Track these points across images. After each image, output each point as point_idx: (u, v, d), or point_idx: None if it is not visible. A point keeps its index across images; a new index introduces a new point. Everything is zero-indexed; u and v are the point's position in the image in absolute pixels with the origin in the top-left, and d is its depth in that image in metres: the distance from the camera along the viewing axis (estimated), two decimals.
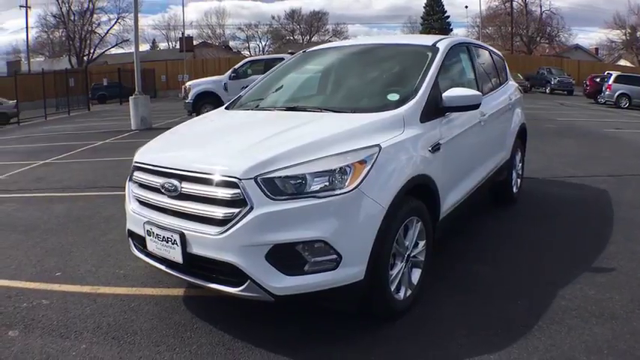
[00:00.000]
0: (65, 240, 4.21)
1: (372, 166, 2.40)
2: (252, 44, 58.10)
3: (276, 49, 49.40)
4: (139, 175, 2.72)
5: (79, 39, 39.11)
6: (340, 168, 2.32)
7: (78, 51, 39.16)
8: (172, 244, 2.42)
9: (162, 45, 58.22)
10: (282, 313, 2.77)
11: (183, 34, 42.35)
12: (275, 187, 2.25)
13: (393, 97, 3.07)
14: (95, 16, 38.26)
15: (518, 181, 5.22)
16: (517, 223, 4.43)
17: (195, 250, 2.35)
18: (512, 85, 5.22)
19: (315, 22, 56.39)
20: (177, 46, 45.36)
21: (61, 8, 38.74)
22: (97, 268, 3.56)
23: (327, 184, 2.29)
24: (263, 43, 57.81)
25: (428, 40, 3.72)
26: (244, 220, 2.22)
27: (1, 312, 2.91)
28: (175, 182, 2.44)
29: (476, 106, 3.17)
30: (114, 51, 42.22)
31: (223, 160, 2.42)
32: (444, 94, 3.08)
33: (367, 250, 2.36)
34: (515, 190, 5.09)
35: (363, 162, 2.39)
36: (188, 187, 2.40)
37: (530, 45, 44.77)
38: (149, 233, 2.55)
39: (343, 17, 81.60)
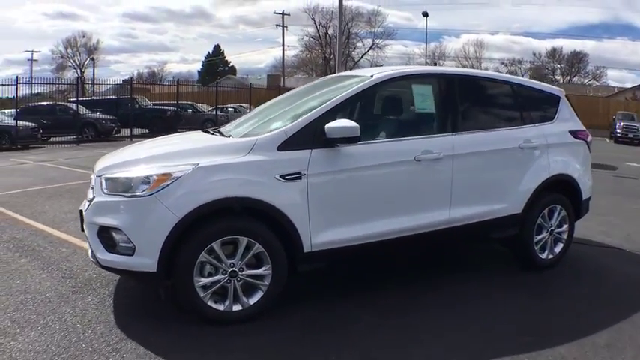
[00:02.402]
0: None
1: (176, 179, 3.16)
2: None
3: None
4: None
5: (334, 61, 45.33)
6: (147, 177, 3.21)
7: (333, 72, 45.28)
8: (80, 217, 3.78)
9: None
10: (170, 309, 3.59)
11: (436, 63, 44.85)
12: (109, 184, 3.34)
13: (275, 125, 3.65)
14: (351, 41, 43.76)
15: (559, 245, 4.65)
16: (504, 291, 4.01)
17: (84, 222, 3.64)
18: (551, 127, 4.63)
19: (575, 62, 54.41)
20: None
21: (318, 31, 45.98)
22: None
23: (140, 188, 3.20)
24: None
25: (375, 71, 4.03)
26: (91, 204, 3.43)
27: (34, 249, 4.84)
28: (92, 177, 3.80)
29: (354, 139, 3.37)
30: None
31: (102, 163, 3.73)
32: (326, 125, 3.37)
33: (157, 248, 3.12)
34: (545, 254, 4.56)
35: (167, 175, 3.19)
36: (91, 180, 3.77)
37: None
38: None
39: (607, 61, 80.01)
